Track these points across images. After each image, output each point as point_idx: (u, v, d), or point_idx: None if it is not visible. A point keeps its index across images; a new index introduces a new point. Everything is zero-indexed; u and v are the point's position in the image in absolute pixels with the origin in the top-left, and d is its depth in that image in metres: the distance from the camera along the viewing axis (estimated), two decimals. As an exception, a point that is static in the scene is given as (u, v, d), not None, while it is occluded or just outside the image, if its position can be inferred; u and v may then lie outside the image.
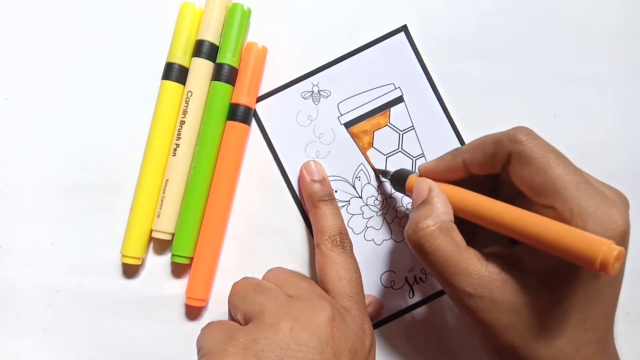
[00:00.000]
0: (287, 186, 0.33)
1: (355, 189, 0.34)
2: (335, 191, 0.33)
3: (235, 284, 0.29)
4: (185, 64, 0.32)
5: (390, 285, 0.33)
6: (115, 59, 0.33)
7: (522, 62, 0.34)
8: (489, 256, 0.24)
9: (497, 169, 0.26)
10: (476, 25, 0.34)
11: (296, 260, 0.33)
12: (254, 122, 0.33)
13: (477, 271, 0.23)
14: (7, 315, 0.32)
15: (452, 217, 0.25)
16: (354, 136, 0.34)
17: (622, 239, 0.22)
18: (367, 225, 0.33)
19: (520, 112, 0.34)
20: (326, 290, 0.28)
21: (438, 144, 0.34)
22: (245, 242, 0.33)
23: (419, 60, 0.34)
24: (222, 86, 0.32)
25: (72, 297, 0.32)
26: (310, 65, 0.34)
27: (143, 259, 0.32)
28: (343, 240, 0.29)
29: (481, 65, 0.34)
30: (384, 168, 0.33)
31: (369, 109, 0.34)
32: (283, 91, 0.34)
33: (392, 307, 0.33)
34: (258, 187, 0.33)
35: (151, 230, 0.31)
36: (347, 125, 0.34)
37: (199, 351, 0.26)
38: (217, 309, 0.32)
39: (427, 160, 0.33)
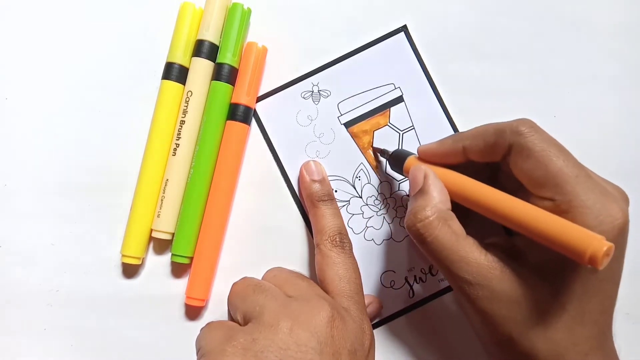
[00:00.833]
0: (287, 186, 0.33)
1: (355, 188, 0.34)
2: (335, 191, 0.33)
3: (234, 284, 0.29)
4: (185, 64, 0.32)
5: (390, 285, 0.33)
6: (116, 59, 0.33)
7: (522, 62, 0.34)
8: (488, 246, 0.24)
9: (497, 158, 0.26)
10: (476, 25, 0.34)
11: (296, 260, 0.33)
12: (254, 122, 0.33)
13: (476, 259, 0.23)
14: (7, 315, 0.32)
15: (449, 205, 0.25)
16: (354, 136, 0.34)
17: (620, 234, 0.22)
18: (367, 225, 0.33)
19: (520, 112, 0.34)
20: (326, 290, 0.28)
21: (438, 144, 0.34)
22: (245, 242, 0.33)
23: (419, 60, 0.34)
24: (222, 86, 0.32)
25: (72, 297, 0.32)
26: (310, 65, 0.34)
27: (143, 258, 0.32)
28: (343, 240, 0.29)
29: (481, 65, 0.34)
30: (380, 147, 0.33)
31: (369, 109, 0.34)
32: (283, 91, 0.34)
33: (392, 307, 0.33)
34: (258, 187, 0.33)
35: (151, 230, 0.31)
36: (347, 125, 0.34)
37: (198, 351, 0.26)
38: (217, 309, 0.32)
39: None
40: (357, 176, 0.34)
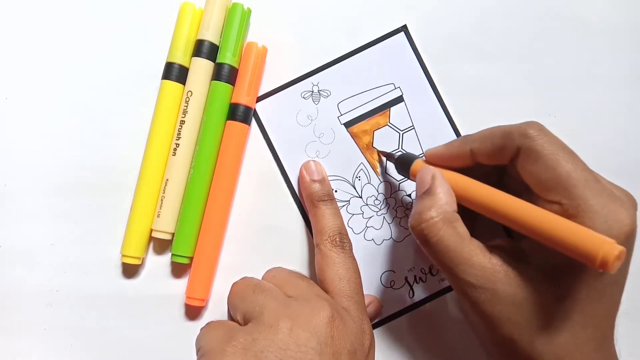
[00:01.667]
0: (287, 186, 0.33)
1: (355, 188, 0.34)
2: (335, 191, 0.33)
3: (234, 284, 0.29)
4: (185, 64, 0.32)
5: (390, 285, 0.33)
6: (115, 59, 0.33)
7: (522, 62, 0.34)
8: (493, 248, 0.24)
9: (505, 161, 0.25)
10: (476, 25, 0.34)
11: (296, 260, 0.33)
12: (254, 122, 0.33)
13: (480, 262, 0.23)
14: (7, 315, 0.32)
15: (455, 207, 0.25)
16: (354, 136, 0.34)
17: (627, 239, 0.22)
18: (367, 225, 0.33)
19: (520, 112, 0.34)
20: (325, 290, 0.28)
21: (438, 144, 0.33)
22: (245, 242, 0.33)
23: (419, 60, 0.34)
24: (222, 86, 0.32)
25: (72, 297, 0.32)
26: (310, 65, 0.34)
27: (143, 258, 0.32)
28: (342, 240, 0.29)
29: (481, 65, 0.34)
30: (386, 151, 0.33)
31: (369, 109, 0.34)
32: (283, 91, 0.34)
33: (392, 307, 0.33)
34: (258, 187, 0.33)
35: (151, 230, 0.31)
36: (347, 125, 0.34)
37: (198, 351, 0.26)
38: (217, 309, 0.32)
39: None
40: (357, 176, 0.34)
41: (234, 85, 0.32)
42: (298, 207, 0.33)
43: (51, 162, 0.33)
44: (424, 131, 0.34)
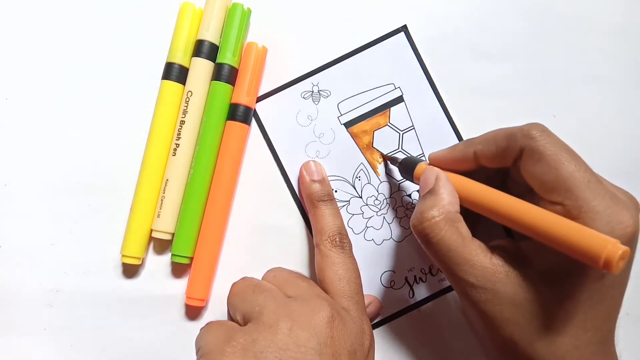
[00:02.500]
0: (287, 186, 0.33)
1: (355, 189, 0.33)
2: (335, 191, 0.33)
3: (234, 284, 0.29)
4: (185, 64, 0.32)
5: (390, 285, 0.33)
6: (115, 59, 0.33)
7: (522, 62, 0.34)
8: (494, 249, 0.24)
9: (508, 163, 0.25)
10: (476, 25, 0.34)
11: (296, 260, 0.33)
12: (254, 122, 0.33)
13: (481, 263, 0.23)
14: (7, 315, 0.32)
15: (458, 208, 0.25)
16: (354, 136, 0.34)
17: (630, 241, 0.22)
18: (367, 225, 0.33)
19: (520, 112, 0.34)
20: (325, 291, 0.28)
21: (438, 144, 0.34)
22: (245, 242, 0.33)
23: (419, 60, 0.34)
24: (222, 86, 0.32)
25: (72, 297, 0.32)
26: (310, 65, 0.34)
27: (143, 259, 0.32)
28: (342, 240, 0.29)
29: (481, 65, 0.34)
30: (390, 154, 0.33)
31: (369, 109, 0.34)
32: (283, 91, 0.34)
33: (392, 307, 0.33)
34: (258, 187, 0.33)
35: (151, 230, 0.31)
36: (347, 125, 0.34)
37: (197, 351, 0.26)
38: (217, 309, 0.32)
39: (427, 160, 0.33)
40: (357, 176, 0.34)
41: (234, 86, 0.32)
42: (298, 207, 0.33)
43: (51, 162, 0.33)
44: (424, 131, 0.34)
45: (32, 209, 0.32)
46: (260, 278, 0.31)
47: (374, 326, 0.33)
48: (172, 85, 0.32)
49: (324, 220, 0.30)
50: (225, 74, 0.31)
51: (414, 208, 0.34)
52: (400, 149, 0.34)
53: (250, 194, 0.33)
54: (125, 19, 0.33)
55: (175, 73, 0.32)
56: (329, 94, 0.34)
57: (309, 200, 0.31)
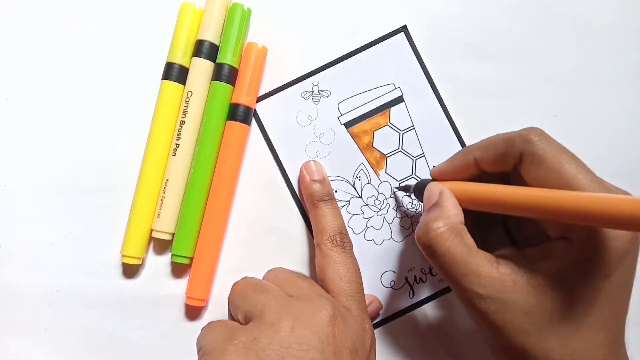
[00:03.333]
0: (287, 186, 0.33)
1: (355, 189, 0.34)
2: (335, 191, 0.33)
3: (235, 284, 0.29)
4: (185, 64, 0.32)
5: (390, 285, 0.33)
6: (116, 59, 0.33)
7: (522, 62, 0.34)
8: (499, 258, 0.24)
9: (509, 167, 0.26)
10: (476, 25, 0.34)
11: (296, 260, 0.33)
12: (254, 122, 0.33)
13: (488, 272, 0.23)
14: (7, 315, 0.32)
15: (462, 219, 0.25)
16: (354, 136, 0.34)
17: (632, 242, 0.22)
18: (367, 225, 0.33)
19: (520, 112, 0.34)
20: (326, 290, 0.28)
21: (438, 144, 0.34)
22: (245, 242, 0.33)
23: (419, 61, 0.34)
24: (222, 86, 0.32)
25: (72, 297, 0.32)
26: (310, 65, 0.34)
27: (143, 259, 0.32)
28: (343, 240, 0.29)
29: (481, 65, 0.34)
30: (402, 185, 0.33)
31: (369, 109, 0.34)
32: (283, 91, 0.34)
33: (392, 307, 0.33)
34: (258, 187, 0.33)
35: (151, 230, 0.31)
36: (347, 125, 0.34)
37: (199, 350, 0.26)
38: (217, 309, 0.32)
39: (427, 160, 0.33)
40: (357, 176, 0.34)
41: (234, 86, 0.32)
42: (298, 207, 0.33)
43: (51, 162, 0.33)
44: (424, 131, 0.34)
45: (32, 209, 0.32)
46: (260, 278, 0.31)
47: (374, 326, 0.33)
48: (172, 85, 0.32)
49: (324, 220, 0.30)
50: (225, 74, 0.32)
51: (414, 208, 0.34)
52: (400, 149, 0.34)
53: (250, 194, 0.33)
54: (125, 19, 0.33)
55: (175, 73, 0.32)
56: (329, 94, 0.34)
57: (310, 200, 0.31)
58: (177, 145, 0.31)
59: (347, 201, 0.33)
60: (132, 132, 0.33)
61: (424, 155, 0.34)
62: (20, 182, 0.32)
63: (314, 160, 0.33)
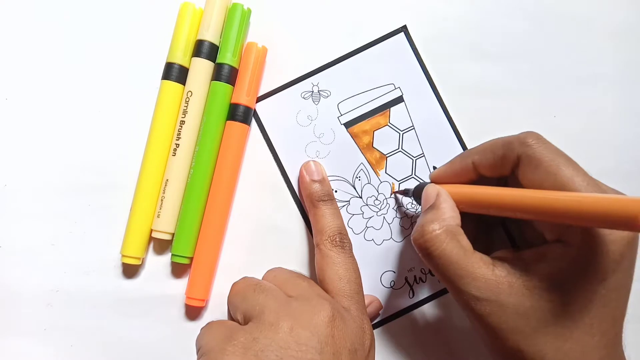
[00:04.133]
0: (287, 186, 0.33)
1: (355, 189, 0.33)
2: (335, 191, 0.33)
3: (235, 284, 0.29)
4: (185, 64, 0.32)
5: (390, 285, 0.33)
6: (116, 59, 0.33)
7: (522, 62, 0.34)
8: (495, 260, 0.24)
9: (506, 171, 0.26)
10: (476, 25, 0.34)
11: (296, 260, 0.33)
12: (254, 122, 0.33)
13: (484, 275, 0.23)
14: (7, 315, 0.32)
15: (459, 222, 0.25)
16: (354, 136, 0.34)
17: (629, 244, 0.22)
18: (367, 225, 0.33)
19: (520, 112, 0.34)
20: (326, 290, 0.28)
21: (438, 144, 0.34)
22: (245, 242, 0.33)
23: (419, 60, 0.34)
24: (222, 86, 0.32)
25: (72, 297, 0.32)
26: (310, 65, 0.34)
27: (143, 259, 0.32)
28: (342, 240, 0.29)
29: (481, 65, 0.34)
30: (401, 188, 0.33)
31: (369, 109, 0.34)
32: (283, 91, 0.34)
33: (392, 307, 0.33)
34: (258, 187, 0.33)
35: (151, 230, 0.31)
36: (347, 125, 0.34)
37: (198, 350, 0.26)
38: (217, 309, 0.32)
39: (427, 160, 0.33)
40: (357, 176, 0.34)
41: (234, 86, 0.32)
42: (298, 207, 0.33)
43: (51, 162, 0.33)
44: (424, 131, 0.34)
45: (32, 209, 0.32)
46: (260, 278, 0.31)
47: (374, 326, 0.33)
48: (172, 86, 0.32)
49: (324, 220, 0.30)
50: (225, 74, 0.32)
51: (414, 208, 0.34)
52: (400, 149, 0.34)
53: (250, 194, 0.33)
54: (125, 19, 0.33)
55: (175, 73, 0.32)
56: (329, 94, 0.34)
57: (309, 200, 0.31)
58: (177, 145, 0.31)
59: (347, 201, 0.33)
60: (132, 132, 0.33)
61: (424, 155, 0.34)
62: (20, 182, 0.32)
63: (314, 161, 0.33)
